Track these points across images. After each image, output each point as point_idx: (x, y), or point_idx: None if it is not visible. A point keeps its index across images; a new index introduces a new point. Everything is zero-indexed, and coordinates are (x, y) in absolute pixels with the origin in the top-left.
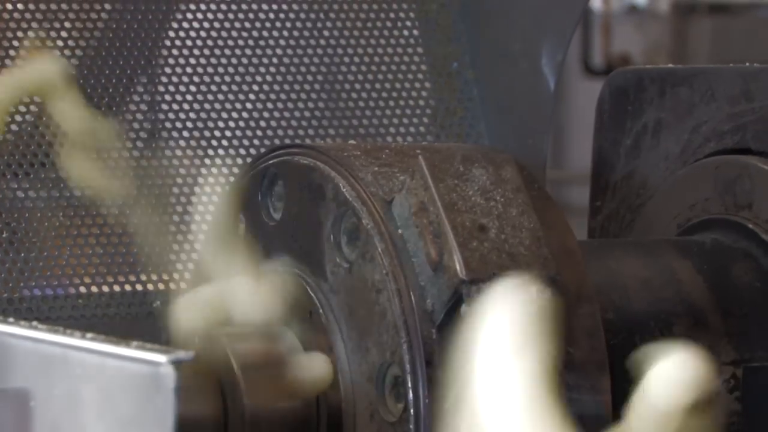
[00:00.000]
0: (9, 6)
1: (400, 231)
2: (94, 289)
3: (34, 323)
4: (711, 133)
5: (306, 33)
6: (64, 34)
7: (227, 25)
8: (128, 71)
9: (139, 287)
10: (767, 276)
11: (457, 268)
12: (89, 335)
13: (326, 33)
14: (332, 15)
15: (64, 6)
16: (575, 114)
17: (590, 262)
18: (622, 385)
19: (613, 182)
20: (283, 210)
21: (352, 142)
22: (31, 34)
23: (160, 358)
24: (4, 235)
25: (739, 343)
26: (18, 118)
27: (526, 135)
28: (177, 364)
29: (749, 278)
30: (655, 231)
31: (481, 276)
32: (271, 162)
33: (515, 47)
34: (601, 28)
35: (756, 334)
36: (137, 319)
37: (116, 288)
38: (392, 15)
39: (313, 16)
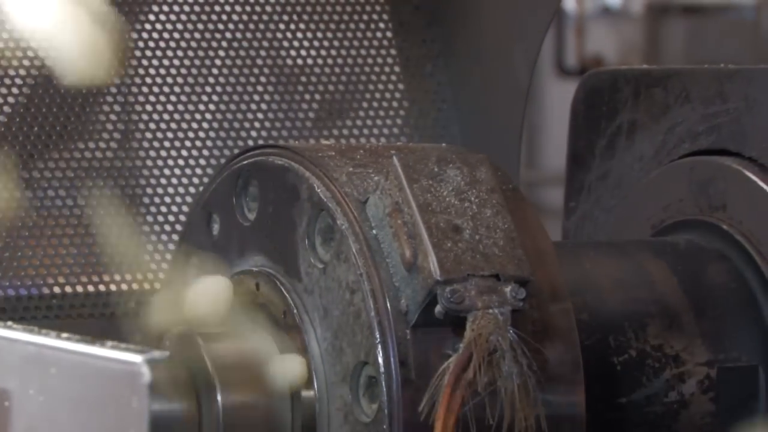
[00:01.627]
0: None
1: (374, 231)
2: (68, 289)
3: (9, 323)
4: (685, 134)
5: (279, 35)
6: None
7: (200, 26)
8: None
9: (113, 287)
10: (741, 277)
11: (432, 268)
12: (64, 335)
13: (299, 35)
14: (305, 17)
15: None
16: (549, 115)
17: (564, 263)
18: (596, 385)
19: (587, 183)
20: (257, 210)
21: (326, 142)
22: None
23: (136, 357)
24: None
25: (714, 344)
26: None
27: (499, 136)
28: (152, 363)
29: (723, 279)
30: (629, 232)
31: (455, 277)
32: (245, 162)
33: (488, 49)
34: (574, 29)
35: (730, 334)
36: (112, 319)
37: (91, 288)
38: (365, 17)
39: (285, 17)
